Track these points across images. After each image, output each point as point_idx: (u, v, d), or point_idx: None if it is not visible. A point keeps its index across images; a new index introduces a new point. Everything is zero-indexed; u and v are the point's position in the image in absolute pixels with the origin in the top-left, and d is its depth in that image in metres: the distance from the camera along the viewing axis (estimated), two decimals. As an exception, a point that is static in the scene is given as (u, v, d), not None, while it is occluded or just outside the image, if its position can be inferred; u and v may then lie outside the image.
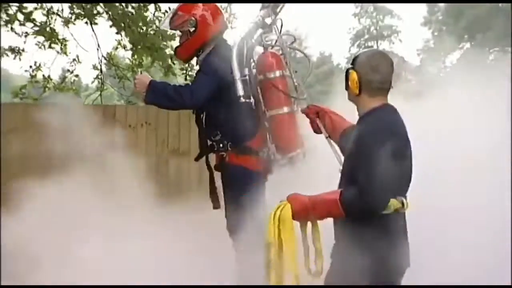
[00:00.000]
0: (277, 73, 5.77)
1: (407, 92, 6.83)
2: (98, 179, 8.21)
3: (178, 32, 6.59)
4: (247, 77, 5.68)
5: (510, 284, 5.15)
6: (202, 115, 6.15)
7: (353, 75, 4.35)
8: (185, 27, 6.13)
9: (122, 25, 12.99)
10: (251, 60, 5.90)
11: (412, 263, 4.35)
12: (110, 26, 13.18)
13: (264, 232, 4.33)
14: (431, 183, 5.79)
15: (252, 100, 5.68)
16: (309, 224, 4.41)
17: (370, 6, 59.01)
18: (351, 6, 66.09)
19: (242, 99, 5.58)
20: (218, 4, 6.45)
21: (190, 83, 6.23)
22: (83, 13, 12.97)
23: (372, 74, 4.33)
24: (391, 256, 4.11)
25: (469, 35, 53.61)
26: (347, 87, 4.48)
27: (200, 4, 6.17)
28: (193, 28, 6.06)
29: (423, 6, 58.37)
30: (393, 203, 4.11)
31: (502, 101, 7.78)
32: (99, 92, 14.30)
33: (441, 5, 57.27)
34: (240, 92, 5.58)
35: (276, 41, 5.96)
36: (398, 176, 4.14)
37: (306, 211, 4.23)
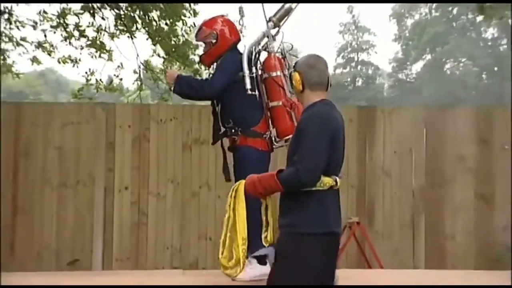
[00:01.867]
0: (278, 73, 5.97)
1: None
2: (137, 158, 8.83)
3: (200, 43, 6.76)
4: (253, 74, 5.89)
5: (510, 284, 4.70)
6: (218, 107, 6.23)
7: (296, 76, 4.36)
8: (208, 39, 6.24)
9: (157, 38, 13.02)
10: (258, 62, 6.08)
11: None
12: (147, 39, 13.19)
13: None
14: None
15: (256, 93, 5.84)
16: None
17: (352, 25, 58.78)
18: (337, 25, 65.99)
19: (249, 92, 5.73)
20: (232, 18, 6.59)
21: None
22: (125, 29, 12.97)
23: (310, 72, 4.34)
24: (324, 217, 4.11)
25: (430, 48, 53.35)
26: (292, 87, 4.49)
27: (220, 20, 6.35)
28: (215, 40, 6.20)
29: (394, 25, 58.18)
30: (328, 181, 4.10)
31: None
32: (138, 92, 14.51)
33: (408, 24, 57.02)
34: (248, 86, 5.73)
35: (279, 47, 6.20)
36: (328, 158, 4.10)
37: (254, 185, 4.26)
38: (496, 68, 51.13)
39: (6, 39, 13.27)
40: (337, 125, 4.26)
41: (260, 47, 6.18)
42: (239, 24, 6.55)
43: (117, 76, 14.03)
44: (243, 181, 4.37)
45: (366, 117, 9.50)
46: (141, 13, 12.81)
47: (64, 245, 9.07)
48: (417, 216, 9.29)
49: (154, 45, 13.30)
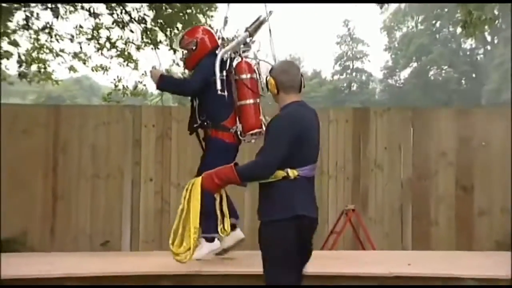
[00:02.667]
0: (247, 75, 6.17)
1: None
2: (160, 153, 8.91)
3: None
4: (224, 77, 6.07)
5: (510, 284, 4.46)
6: (195, 102, 6.33)
7: (271, 80, 4.27)
8: (189, 46, 6.39)
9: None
10: (231, 66, 6.25)
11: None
12: (169, 50, 13.17)
13: None
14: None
15: (226, 93, 6.01)
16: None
17: (347, 37, 58.62)
18: (334, 37, 65.87)
19: (219, 92, 5.95)
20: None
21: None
22: (150, 41, 13.02)
23: (283, 76, 4.25)
24: (288, 204, 4.10)
25: (416, 57, 53.18)
26: (268, 90, 4.42)
27: (200, 30, 6.59)
28: (195, 47, 6.35)
29: (385, 37, 58.07)
30: (279, 173, 4.06)
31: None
32: (160, 97, 14.64)
33: (397, 36, 56.85)
34: (219, 87, 5.96)
35: (255, 55, 6.46)
36: (286, 152, 4.06)
37: (211, 178, 4.14)
38: (474, 75, 51.22)
39: (47, 51, 13.34)
40: (306, 124, 4.22)
41: (234, 53, 6.32)
42: (220, 32, 6.68)
43: (141, 82, 14.17)
44: (199, 178, 4.24)
45: (360, 117, 9.47)
46: (165, 25, 12.84)
47: (97, 229, 9.15)
48: (405, 205, 9.27)
49: (174, 53, 13.27)
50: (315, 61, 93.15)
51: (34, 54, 13.41)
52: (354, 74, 58.48)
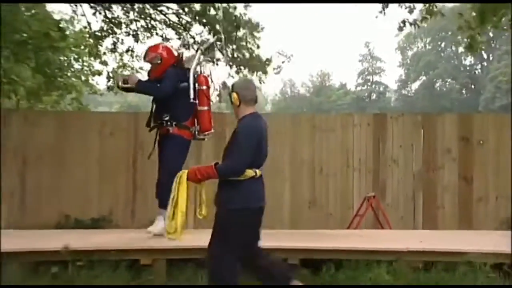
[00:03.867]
0: (205, 87, 6.43)
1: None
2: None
3: None
4: (196, 88, 6.35)
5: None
6: (154, 105, 6.55)
7: (234, 95, 4.38)
8: (155, 61, 6.52)
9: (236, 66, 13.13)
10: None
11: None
12: (225, 65, 13.03)
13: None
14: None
15: (197, 101, 6.34)
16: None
17: (368, 56, 58.07)
18: (357, 55, 65.43)
19: (192, 100, 6.27)
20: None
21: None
22: (209, 59, 13.05)
23: (245, 91, 4.37)
24: (246, 197, 4.24)
25: (424, 72, 52.49)
26: (231, 103, 4.46)
27: (161, 46, 6.78)
28: (159, 61, 6.47)
29: (399, 55, 57.51)
30: (249, 172, 4.21)
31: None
32: (218, 104, 14.57)
33: (409, 54, 56.15)
34: (192, 95, 6.26)
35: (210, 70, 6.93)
36: (252, 156, 4.20)
37: (194, 173, 4.28)
38: (472, 86, 50.36)
39: (129, 68, 13.58)
40: (262, 132, 4.34)
41: (197, 69, 6.52)
42: (178, 51, 6.89)
43: None
44: (185, 171, 4.36)
45: (379, 121, 9.39)
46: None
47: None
48: (416, 192, 9.18)
49: (230, 68, 13.23)
50: (341, 75, 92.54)
51: (119, 71, 13.61)
52: (373, 86, 57.88)
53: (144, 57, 6.75)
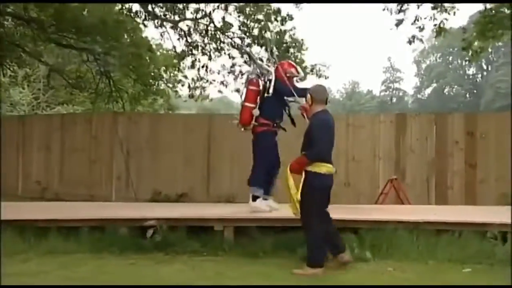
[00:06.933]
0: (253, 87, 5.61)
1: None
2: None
3: None
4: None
5: (510, 284, 3.96)
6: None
7: (309, 96, 4.41)
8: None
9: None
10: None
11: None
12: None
13: None
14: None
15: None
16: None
17: (390, 68, 56.87)
18: (380, 67, 64.18)
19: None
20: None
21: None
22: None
23: (315, 93, 4.38)
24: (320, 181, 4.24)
25: (435, 80, 51.11)
26: (306, 101, 4.53)
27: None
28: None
29: (415, 67, 56.13)
30: (329, 169, 4.27)
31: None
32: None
33: (423, 66, 54.83)
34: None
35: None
36: (327, 142, 4.25)
37: (297, 164, 4.24)
38: (475, 91, 48.93)
39: (205, 81, 13.55)
40: (331, 123, 4.31)
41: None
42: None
43: None
44: (289, 165, 4.29)
45: (400, 119, 9.18)
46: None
47: (236, 191, 8.95)
48: (430, 176, 8.93)
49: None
50: (369, 83, 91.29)
51: (198, 83, 13.75)
52: (394, 91, 56.75)
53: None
